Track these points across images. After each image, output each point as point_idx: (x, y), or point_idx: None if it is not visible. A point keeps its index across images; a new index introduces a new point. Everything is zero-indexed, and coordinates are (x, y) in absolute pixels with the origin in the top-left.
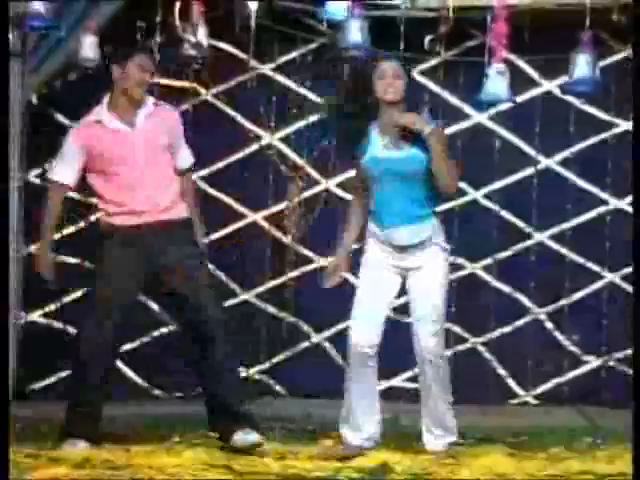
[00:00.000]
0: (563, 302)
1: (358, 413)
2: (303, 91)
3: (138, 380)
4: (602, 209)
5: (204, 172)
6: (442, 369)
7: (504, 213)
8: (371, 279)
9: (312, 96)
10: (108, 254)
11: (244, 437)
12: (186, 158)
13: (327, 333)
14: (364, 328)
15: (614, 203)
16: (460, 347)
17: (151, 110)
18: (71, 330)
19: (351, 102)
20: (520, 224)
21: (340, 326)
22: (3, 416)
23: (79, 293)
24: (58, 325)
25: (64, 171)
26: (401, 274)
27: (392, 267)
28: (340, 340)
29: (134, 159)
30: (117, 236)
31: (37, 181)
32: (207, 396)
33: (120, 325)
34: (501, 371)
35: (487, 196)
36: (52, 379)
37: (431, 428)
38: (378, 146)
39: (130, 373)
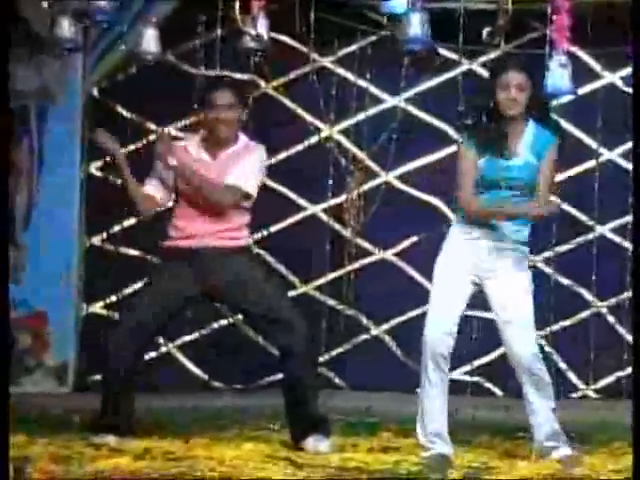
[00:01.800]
0: (624, 295)
1: (430, 415)
2: (364, 84)
3: (197, 372)
4: None
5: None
6: (541, 373)
7: (565, 206)
8: (446, 281)
9: (373, 89)
10: (163, 269)
11: (315, 443)
12: (235, 176)
13: (386, 326)
14: (438, 329)
15: None
16: None
17: (239, 147)
18: None
19: (481, 116)
20: (582, 217)
21: (400, 318)
22: (3, 414)
23: (140, 285)
24: None
25: (155, 185)
26: (478, 276)
27: (469, 269)
28: (400, 333)
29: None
30: (175, 257)
31: (99, 174)
32: (285, 394)
33: (154, 332)
34: (561, 364)
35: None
36: None
37: (540, 437)
38: (495, 152)
39: (189, 365)
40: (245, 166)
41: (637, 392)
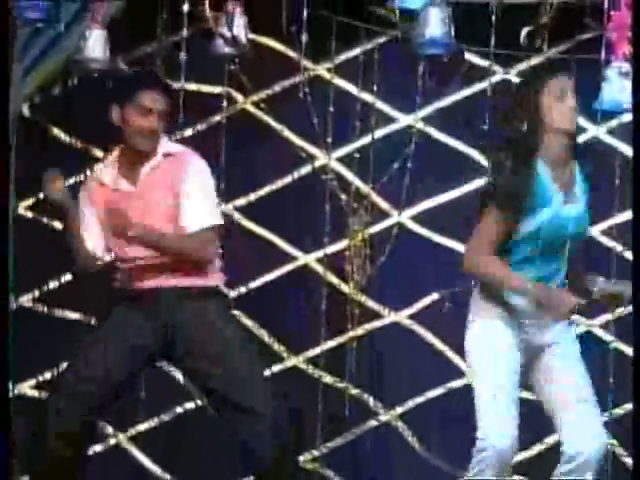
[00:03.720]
0: None
1: None
2: (369, 98)
3: (156, 470)
4: None
5: (241, 202)
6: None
7: (628, 254)
8: (500, 359)
9: (381, 104)
10: (110, 319)
11: None
12: (192, 218)
13: (400, 409)
14: (507, 434)
15: None
16: None
17: (158, 161)
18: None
19: (511, 136)
20: None
21: (417, 400)
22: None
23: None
24: None
25: (88, 239)
26: (527, 351)
27: (518, 343)
28: (417, 418)
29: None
30: (124, 302)
31: (29, 214)
32: None
33: (104, 408)
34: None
35: (606, 232)
36: None
37: None
38: (559, 200)
39: (146, 461)
40: (192, 193)
41: (638, 397)
